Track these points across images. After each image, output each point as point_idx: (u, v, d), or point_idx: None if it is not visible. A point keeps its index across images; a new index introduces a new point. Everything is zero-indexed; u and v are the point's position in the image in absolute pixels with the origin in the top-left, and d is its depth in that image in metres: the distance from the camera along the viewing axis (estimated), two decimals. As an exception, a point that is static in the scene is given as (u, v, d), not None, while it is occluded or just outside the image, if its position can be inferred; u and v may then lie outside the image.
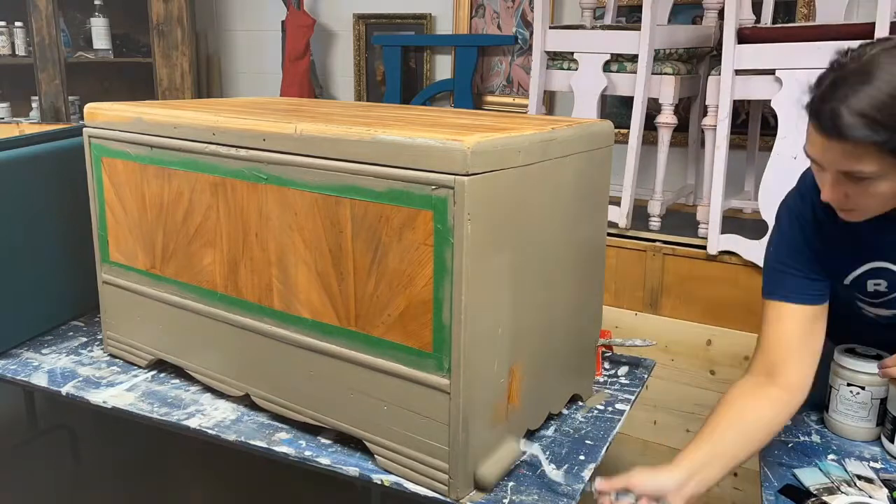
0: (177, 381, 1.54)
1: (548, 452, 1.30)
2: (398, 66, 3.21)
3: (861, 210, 1.11)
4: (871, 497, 1.15)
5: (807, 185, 1.24)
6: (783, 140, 2.03)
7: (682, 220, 2.44)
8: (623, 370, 1.63)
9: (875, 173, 1.02)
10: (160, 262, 1.49)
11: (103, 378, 1.55)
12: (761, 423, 1.21)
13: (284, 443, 1.31)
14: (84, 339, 1.73)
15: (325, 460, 1.26)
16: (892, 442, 1.30)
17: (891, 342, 1.30)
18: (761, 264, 2.24)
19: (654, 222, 2.35)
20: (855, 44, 1.04)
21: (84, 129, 1.56)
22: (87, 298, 1.73)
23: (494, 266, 1.12)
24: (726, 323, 2.19)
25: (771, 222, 2.08)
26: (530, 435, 1.34)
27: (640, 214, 2.37)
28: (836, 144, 1.01)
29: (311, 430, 1.33)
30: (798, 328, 1.25)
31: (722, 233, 2.17)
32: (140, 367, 1.59)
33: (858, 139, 0.98)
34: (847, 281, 1.25)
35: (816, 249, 1.24)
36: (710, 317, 2.22)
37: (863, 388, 1.32)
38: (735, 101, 2.16)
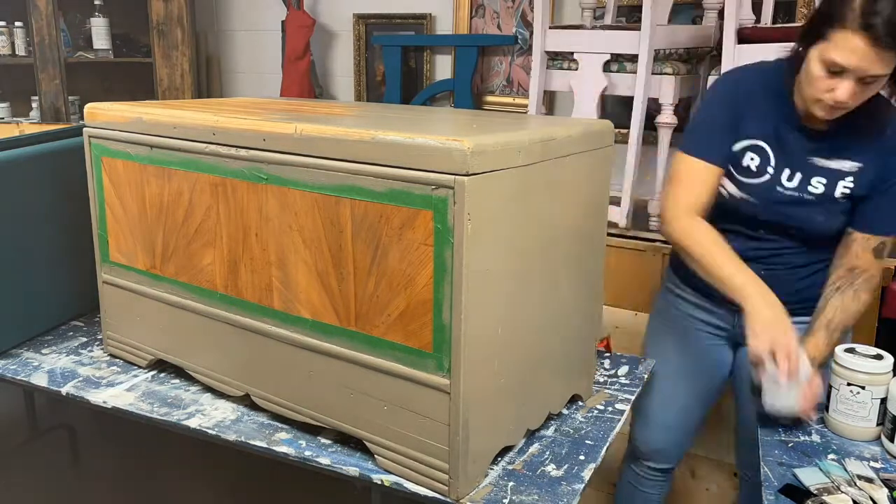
0: (177, 381, 1.54)
1: (548, 452, 1.30)
2: (398, 66, 3.21)
3: (849, 107, 1.32)
4: (871, 497, 1.15)
5: (753, 71, 1.49)
6: (783, 140, 2.03)
7: (682, 220, 2.43)
8: (623, 370, 1.63)
9: (885, 75, 1.27)
10: (160, 262, 1.49)
11: (103, 378, 1.55)
12: None
13: (284, 443, 1.31)
14: (84, 339, 1.73)
15: (325, 460, 1.26)
16: (892, 441, 1.30)
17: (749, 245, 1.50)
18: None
19: (654, 222, 2.35)
20: None
21: (84, 129, 1.55)
22: (87, 298, 1.73)
23: (494, 266, 1.12)
24: (726, 323, 2.19)
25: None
26: (530, 435, 1.34)
27: (640, 214, 2.36)
28: (885, 54, 1.22)
29: (311, 430, 1.33)
30: (712, 186, 1.47)
31: (722, 233, 2.17)
32: (140, 367, 1.59)
33: None
34: (735, 148, 1.46)
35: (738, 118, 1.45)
36: (710, 317, 2.21)
37: (863, 388, 1.32)
38: (735, 101, 2.15)
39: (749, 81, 1.46)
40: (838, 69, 1.26)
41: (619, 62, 2.32)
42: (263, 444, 1.30)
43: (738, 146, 1.44)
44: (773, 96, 1.42)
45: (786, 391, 1.29)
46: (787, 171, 1.42)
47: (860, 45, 1.22)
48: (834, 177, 1.41)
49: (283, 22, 3.41)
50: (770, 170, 1.43)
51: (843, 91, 1.27)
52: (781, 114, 1.42)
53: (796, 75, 1.37)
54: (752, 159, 1.43)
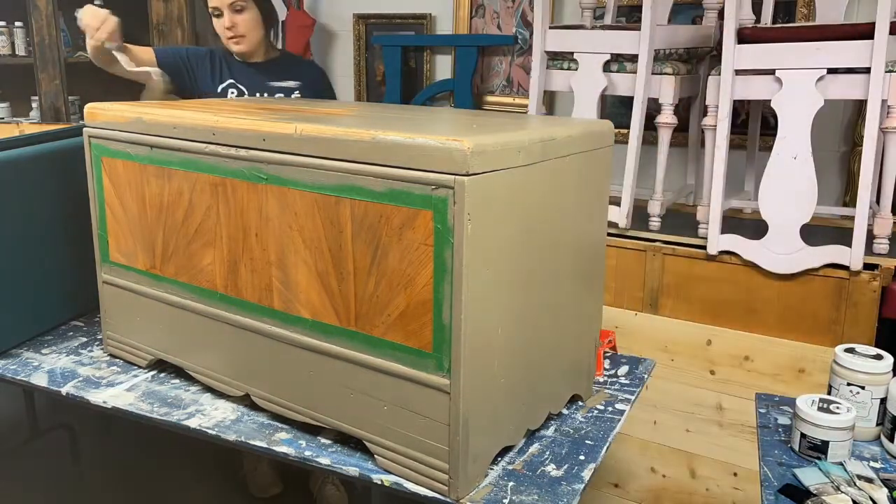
0: (177, 381, 1.54)
1: (548, 452, 1.30)
2: (398, 66, 3.21)
3: (245, 38, 2.14)
4: (870, 497, 1.15)
5: (202, 53, 2.26)
6: (783, 140, 2.03)
7: (682, 220, 2.44)
8: (623, 370, 1.63)
9: (244, 6, 2.11)
10: (160, 262, 1.49)
11: (103, 378, 1.55)
12: None
13: (284, 443, 1.31)
14: (84, 339, 1.73)
15: (325, 460, 1.26)
16: (891, 441, 1.30)
17: None
18: (761, 264, 2.25)
19: (654, 222, 2.35)
20: None
21: (84, 129, 1.56)
22: (87, 298, 1.73)
23: (494, 266, 1.12)
24: (726, 323, 2.19)
25: (771, 221, 2.08)
26: (530, 435, 1.34)
27: (640, 214, 2.36)
28: None
29: (311, 430, 1.33)
30: None
31: (722, 233, 2.17)
32: (140, 367, 1.59)
33: None
34: (218, 90, 2.24)
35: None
36: (710, 317, 2.22)
37: (863, 388, 1.32)
38: (735, 101, 2.16)
39: (206, 57, 2.22)
40: (217, 12, 2.11)
41: (619, 62, 2.32)
42: (263, 444, 1.30)
43: (219, 88, 2.22)
44: (225, 58, 2.22)
45: None
46: (257, 94, 2.19)
47: None
48: (289, 90, 2.22)
49: (283, 22, 3.41)
50: (247, 96, 2.18)
51: (227, 19, 2.10)
52: (233, 66, 2.21)
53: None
54: (232, 93, 2.22)
